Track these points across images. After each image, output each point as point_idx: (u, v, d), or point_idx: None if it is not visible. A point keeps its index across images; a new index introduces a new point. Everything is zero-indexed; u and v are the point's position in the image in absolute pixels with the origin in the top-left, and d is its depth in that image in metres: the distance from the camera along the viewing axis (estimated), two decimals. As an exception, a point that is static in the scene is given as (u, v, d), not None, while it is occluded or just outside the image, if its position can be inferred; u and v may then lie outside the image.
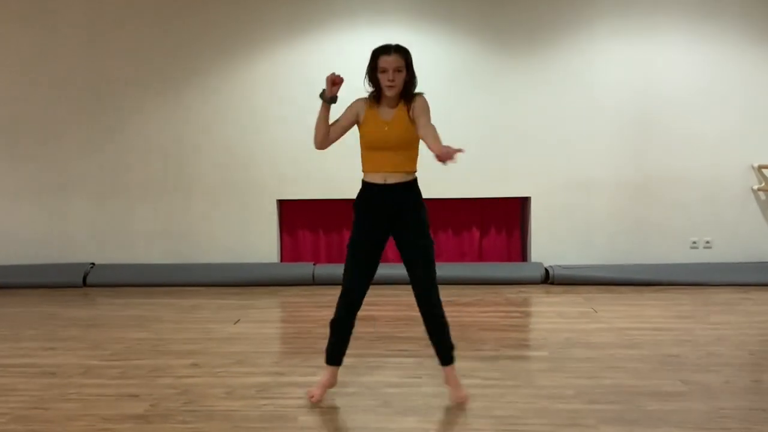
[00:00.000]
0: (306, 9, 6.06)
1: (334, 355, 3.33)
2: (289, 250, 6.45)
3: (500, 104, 6.05)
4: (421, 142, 3.11)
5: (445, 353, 3.27)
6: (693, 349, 4.04)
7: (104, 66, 6.17)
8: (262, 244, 6.29)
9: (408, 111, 3.10)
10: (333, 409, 3.23)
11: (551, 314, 5.05)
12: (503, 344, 4.25)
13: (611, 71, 6.05)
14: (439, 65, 6.02)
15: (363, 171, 3.20)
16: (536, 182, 6.18)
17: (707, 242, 6.16)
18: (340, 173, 6.15)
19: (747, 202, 6.14)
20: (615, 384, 3.49)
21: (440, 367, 3.31)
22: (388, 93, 3.08)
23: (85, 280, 6.06)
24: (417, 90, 3.15)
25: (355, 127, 3.22)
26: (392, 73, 3.04)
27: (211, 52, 6.14)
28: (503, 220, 6.36)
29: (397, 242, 3.20)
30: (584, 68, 6.06)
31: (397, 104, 3.12)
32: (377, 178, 3.13)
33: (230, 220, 6.29)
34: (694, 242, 6.17)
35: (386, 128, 3.09)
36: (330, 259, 6.40)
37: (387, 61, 3.04)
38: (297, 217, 6.42)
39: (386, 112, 3.13)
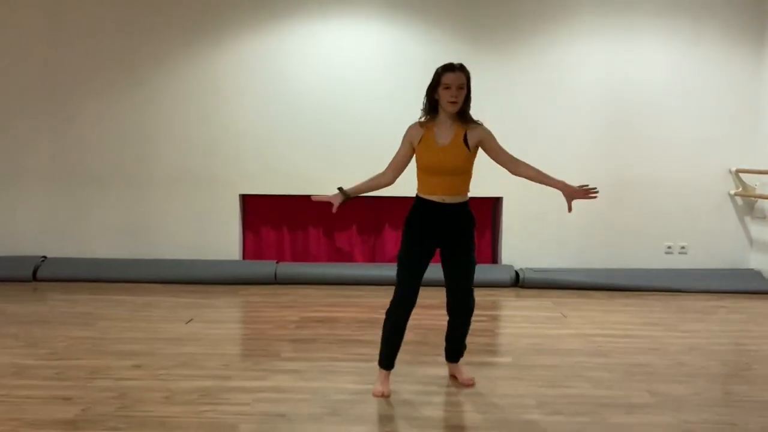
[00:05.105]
0: (274, -3, 5.84)
1: (388, 358, 3.35)
2: (252, 247, 6.20)
3: (473, 101, 5.82)
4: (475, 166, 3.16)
5: (457, 352, 3.50)
6: (661, 359, 3.87)
7: (59, 51, 5.88)
8: (224, 240, 6.04)
9: (464, 137, 3.09)
10: (277, 417, 3.00)
11: (519, 318, 4.86)
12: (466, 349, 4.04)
13: (588, 71, 5.87)
14: (410, 58, 5.81)
15: (418, 189, 3.20)
16: (508, 182, 5.86)
17: (682, 247, 6.01)
18: (305, 169, 5.94)
19: (724, 208, 6.00)
20: (579, 394, 3.30)
21: (446, 362, 3.57)
22: (450, 109, 3.06)
23: (36, 275, 5.77)
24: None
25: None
26: (455, 90, 3.03)
27: (172, 39, 5.87)
28: (474, 221, 6.15)
29: (443, 255, 3.23)
30: (561, 67, 5.87)
31: (452, 126, 3.10)
32: (434, 198, 3.13)
33: (191, 215, 6.03)
34: (669, 247, 6.02)
35: (441, 154, 3.08)
36: (294, 258, 6.17)
37: (451, 78, 3.03)
38: (261, 213, 6.18)
39: (442, 136, 3.10)
